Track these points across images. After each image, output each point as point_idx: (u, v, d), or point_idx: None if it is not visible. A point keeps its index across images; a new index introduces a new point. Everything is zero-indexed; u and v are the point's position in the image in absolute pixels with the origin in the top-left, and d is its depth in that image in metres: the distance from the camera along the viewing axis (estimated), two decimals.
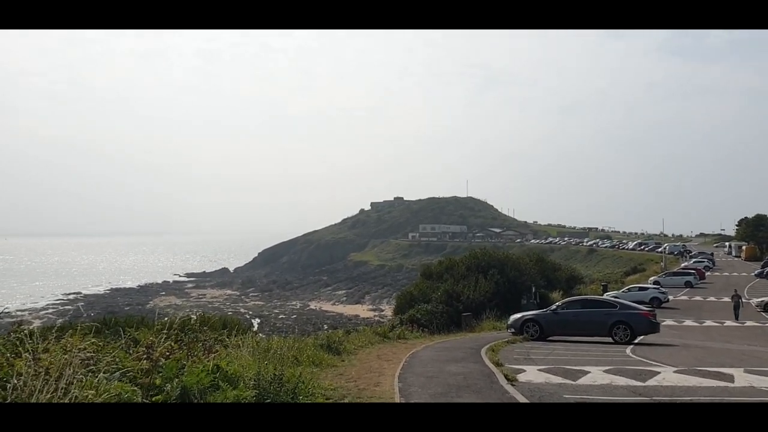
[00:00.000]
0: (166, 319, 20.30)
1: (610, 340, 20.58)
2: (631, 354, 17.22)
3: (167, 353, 6.38)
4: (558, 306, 22.20)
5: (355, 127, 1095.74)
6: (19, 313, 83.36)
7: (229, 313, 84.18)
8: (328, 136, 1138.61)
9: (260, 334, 54.82)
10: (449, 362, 13.45)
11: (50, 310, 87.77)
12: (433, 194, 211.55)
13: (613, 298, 24.38)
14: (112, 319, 16.29)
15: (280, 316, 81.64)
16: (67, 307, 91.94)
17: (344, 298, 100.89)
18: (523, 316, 22.06)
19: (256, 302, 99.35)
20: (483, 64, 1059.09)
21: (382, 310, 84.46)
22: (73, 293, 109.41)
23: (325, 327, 72.10)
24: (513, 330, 21.73)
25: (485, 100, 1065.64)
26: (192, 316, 19.34)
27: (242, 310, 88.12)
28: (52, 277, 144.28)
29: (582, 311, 21.42)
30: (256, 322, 76.81)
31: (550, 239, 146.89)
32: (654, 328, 21.07)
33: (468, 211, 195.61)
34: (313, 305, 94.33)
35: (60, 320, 68.70)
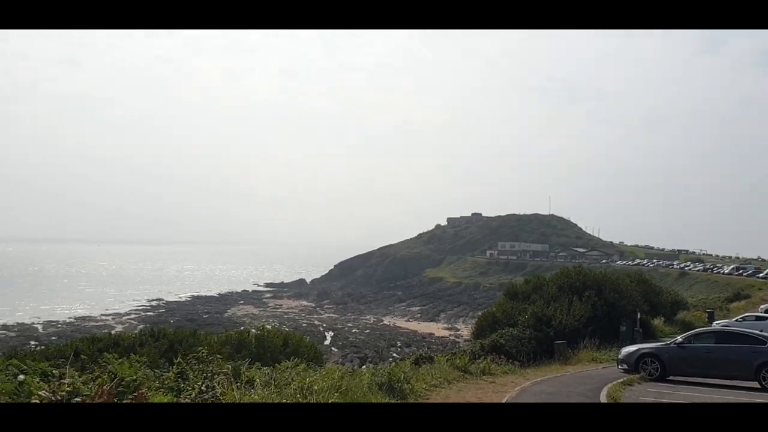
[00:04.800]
0: (222, 333, 18.68)
1: (755, 384, 16.58)
2: None
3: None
4: (685, 339, 18.49)
5: (433, 143, 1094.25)
6: (103, 317, 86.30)
7: (304, 324, 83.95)
8: (405, 152, 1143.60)
9: (333, 348, 53.17)
10: None
11: (132, 316, 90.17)
12: (513, 211, 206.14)
13: (759, 332, 20.32)
14: (161, 331, 14.67)
15: (354, 330, 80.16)
16: (149, 313, 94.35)
17: (418, 315, 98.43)
18: (639, 349, 18.39)
19: (331, 315, 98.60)
20: (567, 78, 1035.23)
21: (458, 330, 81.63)
22: (156, 300, 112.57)
23: (398, 344, 70.18)
24: (625, 366, 18.09)
25: (569, 114, 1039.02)
26: (251, 329, 17.73)
27: (316, 322, 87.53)
28: (141, 283, 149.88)
29: (717, 347, 17.42)
30: (329, 335, 75.94)
31: (638, 261, 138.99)
32: None
33: (550, 229, 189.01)
34: (386, 320, 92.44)
35: (141, 326, 70.33)
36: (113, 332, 63.21)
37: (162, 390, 4.95)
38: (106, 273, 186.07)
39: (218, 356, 6.98)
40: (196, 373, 6.01)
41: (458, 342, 68.21)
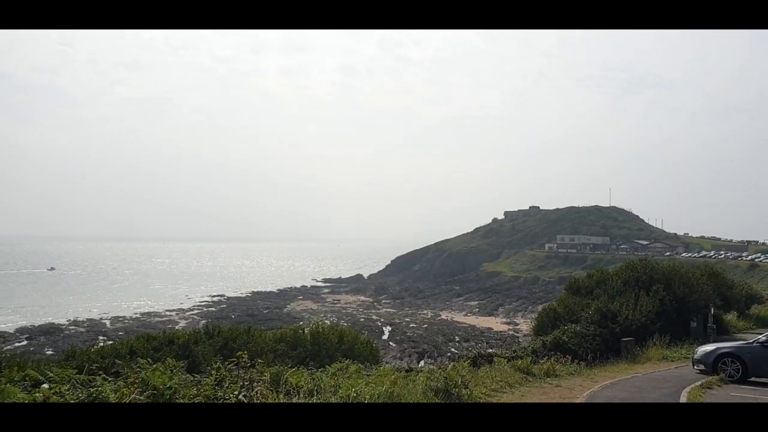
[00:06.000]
0: (278, 329, 18.59)
1: None
2: None
3: None
4: None
5: (490, 136, 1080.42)
6: (167, 313, 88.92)
7: (362, 319, 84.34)
8: (462, 146, 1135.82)
9: (391, 343, 52.93)
10: None
11: (195, 311, 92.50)
12: (572, 203, 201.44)
13: None
14: (215, 328, 14.60)
15: (411, 325, 79.88)
16: (211, 308, 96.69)
17: (476, 309, 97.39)
18: (717, 348, 16.97)
19: (388, 309, 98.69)
20: (626, 67, 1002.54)
21: (517, 324, 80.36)
22: (218, 295, 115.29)
23: (456, 338, 69.52)
24: (702, 367, 16.80)
25: (628, 105, 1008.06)
26: (306, 327, 17.54)
27: (374, 317, 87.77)
28: (204, 279, 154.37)
29: None
30: (387, 330, 76.02)
31: (704, 253, 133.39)
32: None
33: (611, 221, 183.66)
34: (444, 315, 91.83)
35: (203, 321, 72.17)
36: (176, 327, 65.08)
37: (199, 398, 4.66)
38: (172, 270, 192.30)
39: (260, 360, 6.62)
40: (234, 380, 5.67)
41: (517, 336, 67.07)
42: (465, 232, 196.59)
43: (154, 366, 4.87)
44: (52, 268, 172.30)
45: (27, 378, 4.93)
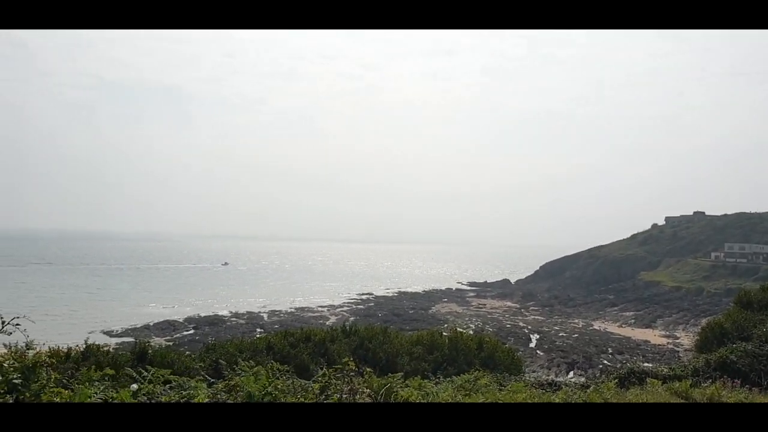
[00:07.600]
0: (415, 332, 18.44)
1: None
2: None
3: None
4: None
5: (643, 137, 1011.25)
6: (320, 309, 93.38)
7: (508, 325, 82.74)
8: (617, 148, 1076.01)
9: (538, 352, 51.24)
10: None
11: (345, 308, 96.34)
12: (743, 209, 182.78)
13: None
14: (352, 327, 14.72)
15: (561, 334, 76.85)
16: (359, 306, 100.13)
17: (632, 321, 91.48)
18: None
19: (536, 317, 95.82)
20: None
21: (677, 338, 74.46)
22: (367, 294, 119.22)
23: (609, 350, 65.81)
24: None
25: None
26: (442, 332, 17.23)
27: (521, 324, 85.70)
28: (356, 278, 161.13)
29: None
30: (534, 337, 73.86)
31: None
32: None
33: None
34: (596, 325, 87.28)
35: (351, 318, 74.75)
36: (326, 323, 67.79)
37: None
38: (329, 267, 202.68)
39: (368, 369, 6.34)
40: (339, 388, 5.44)
41: (677, 351, 62.22)
42: (621, 238, 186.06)
43: (254, 370, 4.80)
44: (226, 263, 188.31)
45: (107, 377, 5.00)
